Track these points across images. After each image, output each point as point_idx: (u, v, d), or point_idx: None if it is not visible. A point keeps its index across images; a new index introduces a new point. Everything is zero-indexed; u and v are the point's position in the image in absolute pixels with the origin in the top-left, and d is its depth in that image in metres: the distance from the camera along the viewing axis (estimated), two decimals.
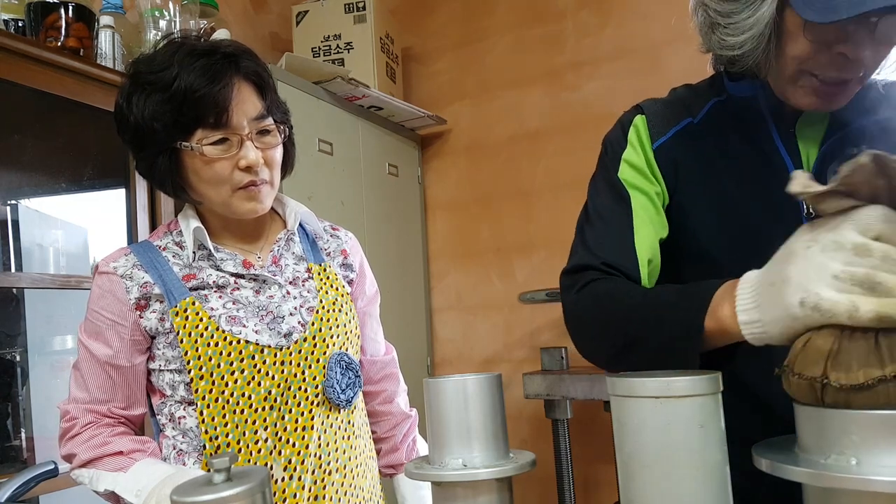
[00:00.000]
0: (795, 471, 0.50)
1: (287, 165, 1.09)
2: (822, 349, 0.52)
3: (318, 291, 1.07)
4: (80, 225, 1.89)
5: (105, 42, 1.61)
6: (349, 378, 1.04)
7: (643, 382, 0.55)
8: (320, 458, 1.00)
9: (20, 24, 1.51)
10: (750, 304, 0.57)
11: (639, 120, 0.91)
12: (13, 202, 1.73)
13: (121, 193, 1.68)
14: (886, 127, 0.83)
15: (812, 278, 0.52)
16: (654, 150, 0.89)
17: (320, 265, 1.11)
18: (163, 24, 1.72)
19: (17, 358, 1.70)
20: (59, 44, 1.48)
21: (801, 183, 0.53)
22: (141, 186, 1.62)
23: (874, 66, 0.78)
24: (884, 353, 0.49)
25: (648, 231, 0.86)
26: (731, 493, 0.55)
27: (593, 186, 0.93)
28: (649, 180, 0.88)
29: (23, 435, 1.66)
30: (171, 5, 1.73)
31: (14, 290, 1.68)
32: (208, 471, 0.56)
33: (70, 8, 1.51)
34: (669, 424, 0.53)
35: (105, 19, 1.62)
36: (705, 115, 0.90)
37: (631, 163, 0.89)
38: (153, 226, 1.62)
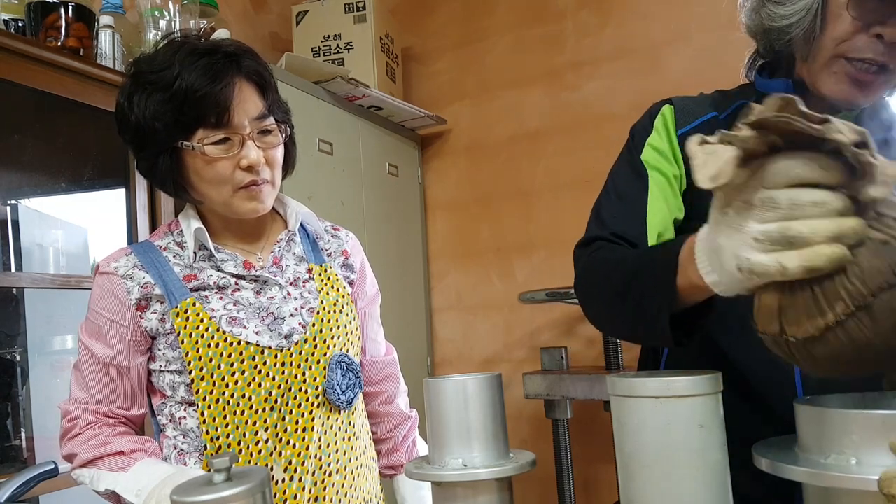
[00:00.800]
0: (795, 470, 0.50)
1: (288, 165, 1.09)
2: (771, 307, 0.52)
3: (319, 292, 1.07)
4: (80, 225, 1.89)
5: (105, 42, 1.61)
6: (349, 379, 1.04)
7: (643, 382, 0.55)
8: (320, 459, 1.00)
9: (20, 24, 1.51)
10: (708, 268, 0.58)
11: (666, 109, 0.95)
12: (13, 202, 1.73)
13: (121, 193, 1.68)
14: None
15: (737, 244, 0.51)
16: (679, 136, 0.92)
17: (321, 266, 1.11)
18: (163, 24, 1.71)
19: (17, 358, 1.70)
20: (59, 44, 1.48)
21: (705, 177, 0.51)
22: (141, 186, 1.62)
23: None
24: (821, 301, 0.49)
25: (661, 207, 0.89)
26: (731, 493, 0.55)
27: (614, 168, 0.97)
28: (669, 162, 0.92)
29: (23, 435, 1.66)
30: (171, 5, 1.73)
31: (14, 290, 1.69)
32: (209, 471, 0.56)
33: (70, 8, 1.50)
34: (669, 424, 0.54)
35: (105, 19, 1.62)
36: (731, 113, 0.94)
37: (654, 146, 0.93)
38: (153, 226, 1.62)
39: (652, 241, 0.86)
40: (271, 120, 1.01)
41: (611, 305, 0.81)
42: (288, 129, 1.05)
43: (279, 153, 1.03)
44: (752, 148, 0.49)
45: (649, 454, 0.54)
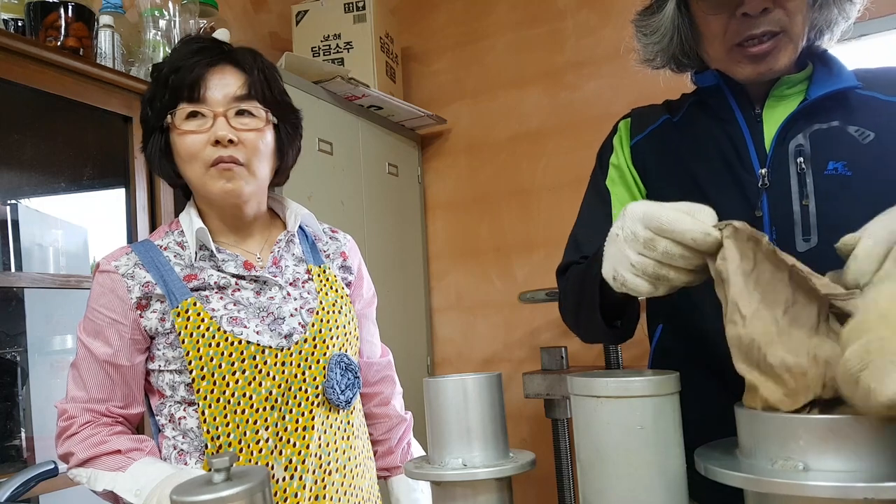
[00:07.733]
0: (741, 477, 0.49)
1: (282, 167, 1.09)
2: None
3: (319, 293, 1.07)
4: (80, 225, 1.89)
5: (105, 42, 1.61)
6: (349, 379, 1.05)
7: (602, 382, 0.55)
8: (321, 457, 1.00)
9: (20, 24, 1.51)
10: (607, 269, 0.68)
11: (622, 124, 1.03)
12: (13, 202, 1.73)
13: (121, 193, 1.67)
14: (844, 97, 0.88)
15: (618, 261, 0.64)
16: (632, 146, 0.99)
17: (320, 267, 1.11)
18: (162, 23, 1.71)
19: (17, 358, 1.70)
20: (59, 43, 1.48)
21: None
22: (141, 186, 1.62)
23: (791, 17, 0.84)
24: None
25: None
26: (686, 493, 0.55)
27: (585, 196, 1.04)
28: (628, 175, 0.99)
29: (23, 435, 1.65)
30: (170, 5, 1.73)
31: (14, 289, 1.68)
32: (209, 470, 0.56)
33: (70, 7, 1.50)
34: (627, 424, 0.54)
35: (105, 19, 1.62)
36: (684, 113, 0.99)
37: (615, 164, 1.00)
38: (153, 226, 1.62)
39: None
40: (255, 104, 1.01)
41: (575, 322, 0.94)
42: (288, 127, 1.05)
43: (258, 139, 1.01)
44: None
45: (607, 454, 0.54)
